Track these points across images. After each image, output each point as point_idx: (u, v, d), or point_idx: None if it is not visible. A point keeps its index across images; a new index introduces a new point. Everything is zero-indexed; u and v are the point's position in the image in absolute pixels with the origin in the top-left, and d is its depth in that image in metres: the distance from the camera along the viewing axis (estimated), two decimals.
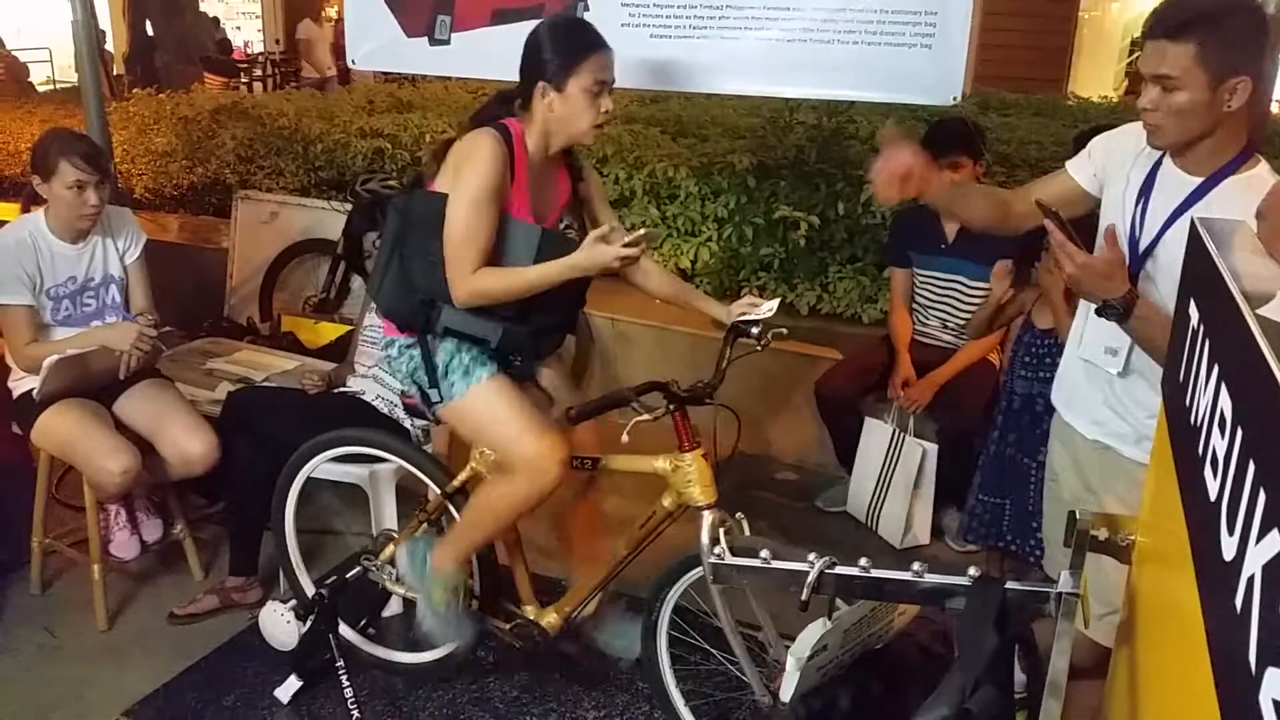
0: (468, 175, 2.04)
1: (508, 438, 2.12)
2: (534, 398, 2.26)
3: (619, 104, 5.48)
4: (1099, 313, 1.71)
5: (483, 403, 2.14)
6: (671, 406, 2.05)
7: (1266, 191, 1.61)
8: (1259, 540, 0.68)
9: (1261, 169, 1.70)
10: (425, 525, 2.42)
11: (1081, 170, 1.96)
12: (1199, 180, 1.72)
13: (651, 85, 3.44)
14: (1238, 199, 1.63)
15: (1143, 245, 1.79)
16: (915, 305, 3.37)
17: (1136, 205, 1.81)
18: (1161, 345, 1.69)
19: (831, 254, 4.11)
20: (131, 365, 2.68)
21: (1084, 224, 1.85)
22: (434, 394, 2.18)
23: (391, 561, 2.45)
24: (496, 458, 2.21)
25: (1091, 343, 1.91)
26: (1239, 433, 0.80)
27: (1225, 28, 1.59)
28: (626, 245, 1.95)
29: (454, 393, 2.15)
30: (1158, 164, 1.79)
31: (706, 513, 2.05)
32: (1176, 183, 1.75)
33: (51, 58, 12.25)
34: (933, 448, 3.16)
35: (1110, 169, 1.89)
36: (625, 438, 1.93)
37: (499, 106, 2.18)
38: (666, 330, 3.94)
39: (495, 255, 2.08)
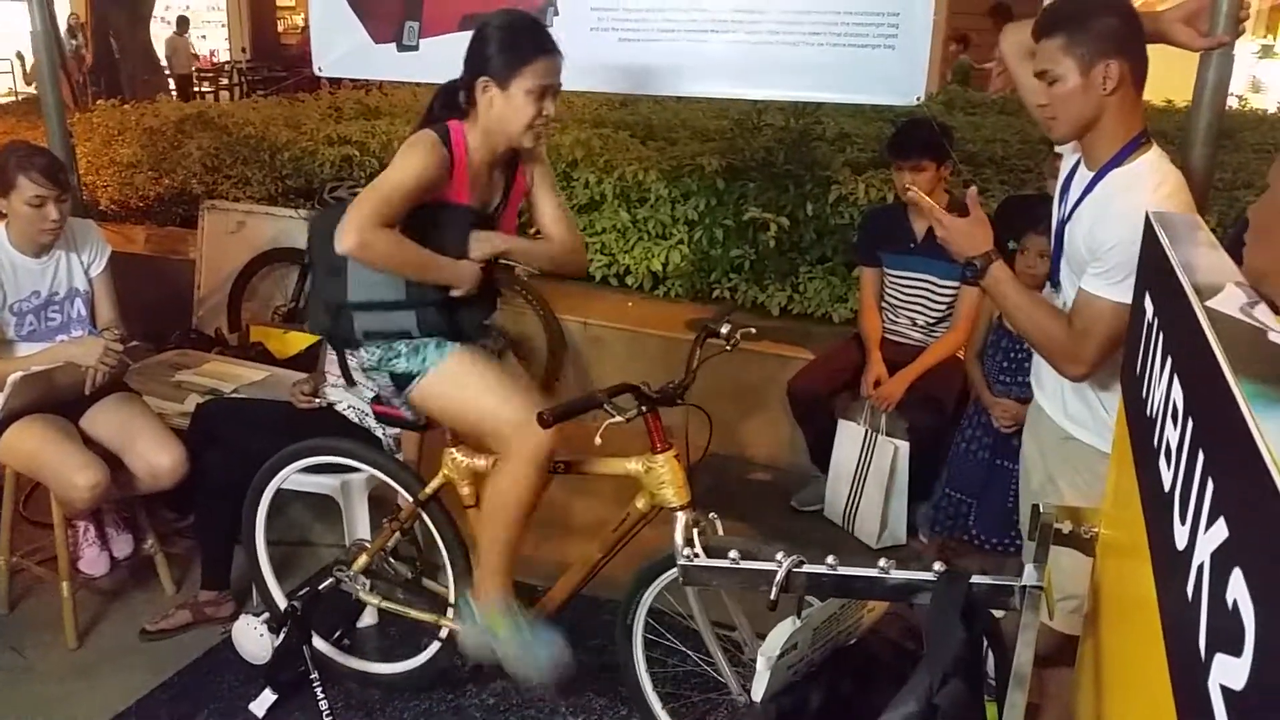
0: (404, 160, 2.04)
1: (493, 403, 2.10)
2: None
3: (589, 107, 5.56)
4: (962, 271, 1.94)
5: (462, 370, 2.13)
6: (644, 408, 2.06)
7: (1144, 181, 1.69)
8: (1207, 528, 0.69)
9: (1140, 162, 1.76)
10: (398, 534, 2.41)
11: None
12: (1092, 175, 1.81)
13: (620, 89, 3.45)
14: (1113, 193, 1.74)
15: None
16: (885, 304, 3.39)
17: (1060, 200, 1.91)
18: (1012, 311, 1.88)
19: (801, 254, 4.14)
20: (98, 380, 2.65)
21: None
22: (412, 368, 2.14)
23: (365, 572, 2.43)
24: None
25: None
26: (1189, 423, 0.81)
27: (1088, 20, 1.73)
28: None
29: (428, 365, 2.13)
30: (1078, 161, 1.89)
31: (680, 514, 2.05)
32: (1081, 179, 1.85)
33: (14, 68, 12.11)
34: (904, 445, 3.17)
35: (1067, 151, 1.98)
36: (598, 440, 1.93)
37: (445, 100, 2.18)
38: (638, 333, 3.95)
39: (434, 242, 2.07)
